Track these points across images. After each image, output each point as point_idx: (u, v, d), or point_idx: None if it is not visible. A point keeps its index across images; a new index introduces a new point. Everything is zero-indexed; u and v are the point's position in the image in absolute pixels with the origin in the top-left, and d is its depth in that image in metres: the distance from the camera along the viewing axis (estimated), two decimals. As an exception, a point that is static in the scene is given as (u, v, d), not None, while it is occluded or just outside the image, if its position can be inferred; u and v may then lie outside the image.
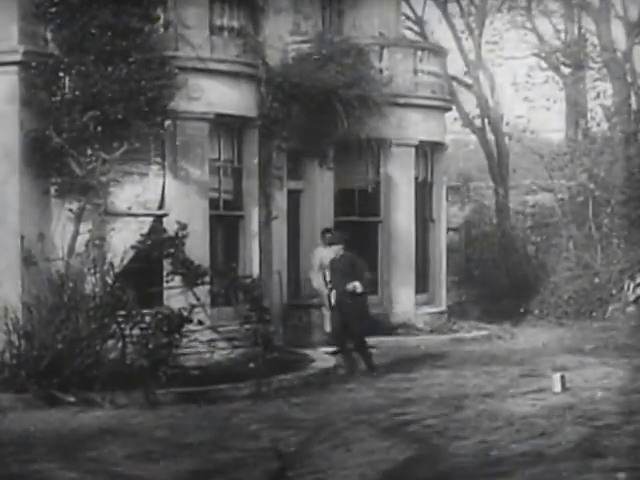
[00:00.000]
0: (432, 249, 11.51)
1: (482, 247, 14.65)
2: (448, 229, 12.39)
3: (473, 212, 15.80)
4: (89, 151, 7.96)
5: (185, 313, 7.53)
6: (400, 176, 10.96)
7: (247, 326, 7.44)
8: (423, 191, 11.39)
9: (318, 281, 9.55)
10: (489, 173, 15.85)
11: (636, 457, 5.14)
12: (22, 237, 7.94)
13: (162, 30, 8.36)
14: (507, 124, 15.56)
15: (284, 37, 10.12)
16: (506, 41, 16.14)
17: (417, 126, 10.96)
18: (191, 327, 7.58)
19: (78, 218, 8.10)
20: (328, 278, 8.73)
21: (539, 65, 16.02)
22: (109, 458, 5.39)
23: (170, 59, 8.30)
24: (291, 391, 7.35)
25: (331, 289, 8.52)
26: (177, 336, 7.39)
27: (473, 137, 16.74)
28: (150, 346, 7.24)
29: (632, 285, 12.58)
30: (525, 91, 16.06)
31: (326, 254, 9.17)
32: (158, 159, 8.63)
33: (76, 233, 8.09)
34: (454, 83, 14.85)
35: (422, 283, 11.23)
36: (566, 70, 15.69)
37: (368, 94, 10.11)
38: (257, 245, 9.28)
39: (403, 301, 10.90)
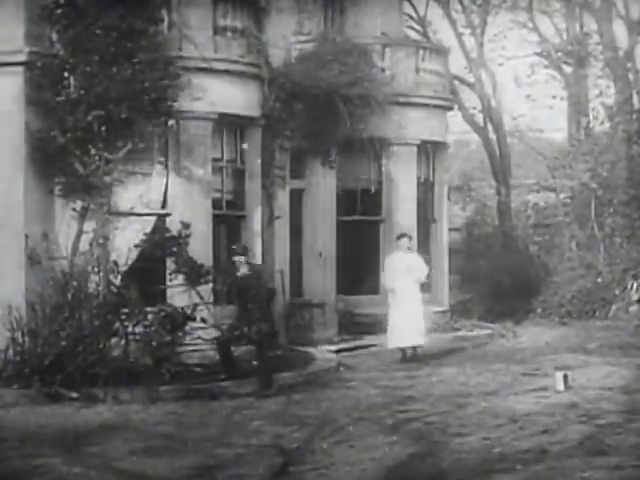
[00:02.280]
0: (434, 249, 11.52)
1: (484, 247, 14.63)
2: (450, 229, 12.38)
3: (475, 212, 15.79)
4: (93, 151, 8.01)
5: (188, 311, 7.57)
6: (402, 175, 10.97)
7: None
8: (425, 190, 11.40)
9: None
10: (491, 173, 15.85)
11: (638, 455, 5.15)
12: (26, 236, 7.98)
13: (166, 31, 8.41)
14: (514, 119, 15.53)
15: (287, 37, 10.15)
16: (508, 40, 16.16)
17: (419, 125, 10.96)
18: (194, 325, 7.61)
19: (82, 217, 8.15)
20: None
21: (541, 63, 16.02)
22: (112, 453, 5.42)
23: (174, 59, 8.34)
24: (293, 388, 7.38)
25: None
26: (180, 334, 7.42)
27: (475, 137, 16.75)
28: (153, 344, 7.28)
29: (635, 285, 12.55)
30: (527, 89, 16.06)
31: (403, 258, 9.00)
32: (161, 159, 8.66)
33: (80, 232, 8.13)
34: (456, 82, 14.85)
35: (425, 282, 11.24)
36: (568, 69, 15.69)
37: (370, 93, 10.13)
38: (260, 244, 9.31)
39: (405, 300, 10.88)
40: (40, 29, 8.06)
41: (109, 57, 7.91)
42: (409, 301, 8.99)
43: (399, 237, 9.35)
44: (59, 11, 8.02)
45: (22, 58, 8.01)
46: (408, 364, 8.77)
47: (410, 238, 9.27)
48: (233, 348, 7.50)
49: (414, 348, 9.03)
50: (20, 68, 8.02)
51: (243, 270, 7.49)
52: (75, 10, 7.98)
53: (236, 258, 7.62)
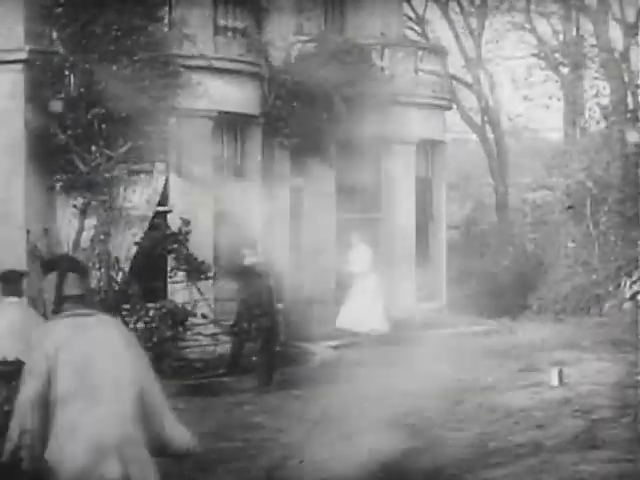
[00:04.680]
0: (432, 246, 11.60)
1: (482, 244, 14.72)
2: (448, 226, 12.47)
3: (473, 210, 15.88)
4: (93, 148, 8.05)
5: (189, 307, 7.63)
6: (401, 174, 11.05)
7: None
8: (424, 189, 11.48)
9: None
10: (489, 171, 15.94)
11: (631, 449, 5.23)
12: (28, 232, 8.04)
13: (166, 29, 8.46)
14: (510, 119, 15.62)
15: (287, 37, 10.21)
16: (506, 41, 16.25)
17: (418, 124, 11.04)
18: (195, 321, 7.68)
19: (83, 214, 8.21)
20: None
21: (538, 65, 16.11)
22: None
23: (174, 58, 8.39)
24: (293, 384, 7.45)
25: None
26: (181, 330, 7.49)
27: (473, 136, 16.84)
28: (154, 339, 7.35)
29: (629, 282, 12.65)
30: (524, 89, 16.15)
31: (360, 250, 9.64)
32: (162, 156, 8.72)
33: (81, 229, 8.19)
34: (454, 82, 14.93)
35: (422, 279, 11.33)
36: (564, 69, 15.78)
37: (370, 92, 10.19)
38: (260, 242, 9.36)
39: (404, 297, 11.00)
40: (40, 27, 8.10)
41: (108, 55, 7.95)
42: (366, 288, 9.47)
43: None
44: (59, 9, 8.05)
45: (22, 56, 8.05)
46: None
47: (359, 233, 9.81)
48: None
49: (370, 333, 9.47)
50: (20, 66, 8.07)
51: (251, 262, 7.54)
52: (75, 8, 8.01)
53: (245, 251, 7.67)
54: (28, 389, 2.49)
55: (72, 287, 2.56)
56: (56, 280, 2.56)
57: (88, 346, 2.50)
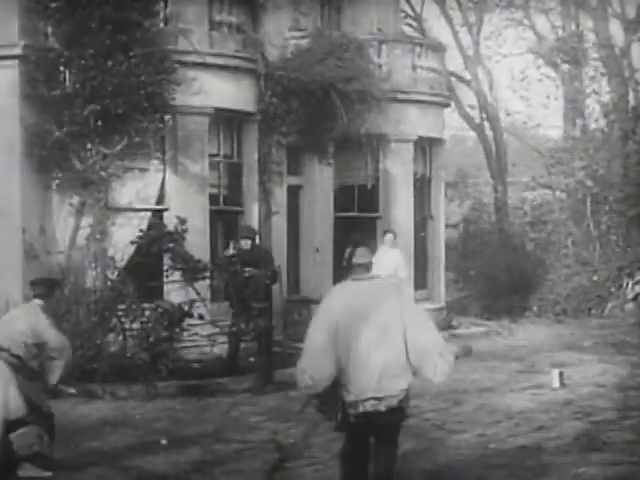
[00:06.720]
0: (431, 245, 11.53)
1: (481, 244, 14.67)
2: (447, 225, 12.41)
3: (472, 209, 15.82)
4: (89, 145, 7.97)
5: (185, 307, 7.56)
6: (399, 172, 10.96)
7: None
8: (422, 187, 11.41)
9: None
10: (488, 170, 15.87)
11: (632, 451, 5.18)
12: (24, 230, 7.96)
13: (162, 25, 8.37)
14: (508, 115, 15.56)
15: (283, 32, 10.13)
16: (504, 37, 16.18)
17: (416, 122, 10.96)
18: (191, 321, 7.61)
19: (79, 212, 8.13)
20: None
21: (537, 62, 16.06)
22: (110, 449, 5.43)
23: (169, 53, 8.31)
24: (291, 385, 7.38)
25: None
26: (177, 330, 7.42)
27: (472, 133, 16.77)
28: (150, 340, 7.28)
29: (630, 283, 12.61)
30: (523, 85, 16.08)
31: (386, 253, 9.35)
32: (158, 154, 8.64)
33: (77, 227, 8.11)
34: (453, 79, 14.86)
35: (421, 279, 11.25)
36: (564, 67, 15.73)
37: (367, 89, 10.11)
38: (257, 240, 9.28)
39: (402, 297, 10.91)
40: (35, 22, 8.01)
41: (104, 51, 7.86)
42: None
43: (385, 232, 9.78)
44: (54, 4, 7.97)
45: (17, 51, 7.96)
46: None
47: (395, 235, 9.55)
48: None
49: None
50: (15, 62, 7.98)
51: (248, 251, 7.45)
52: (70, 3, 7.92)
53: (243, 242, 7.61)
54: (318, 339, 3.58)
55: (361, 257, 3.70)
56: (349, 252, 3.70)
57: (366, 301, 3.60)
